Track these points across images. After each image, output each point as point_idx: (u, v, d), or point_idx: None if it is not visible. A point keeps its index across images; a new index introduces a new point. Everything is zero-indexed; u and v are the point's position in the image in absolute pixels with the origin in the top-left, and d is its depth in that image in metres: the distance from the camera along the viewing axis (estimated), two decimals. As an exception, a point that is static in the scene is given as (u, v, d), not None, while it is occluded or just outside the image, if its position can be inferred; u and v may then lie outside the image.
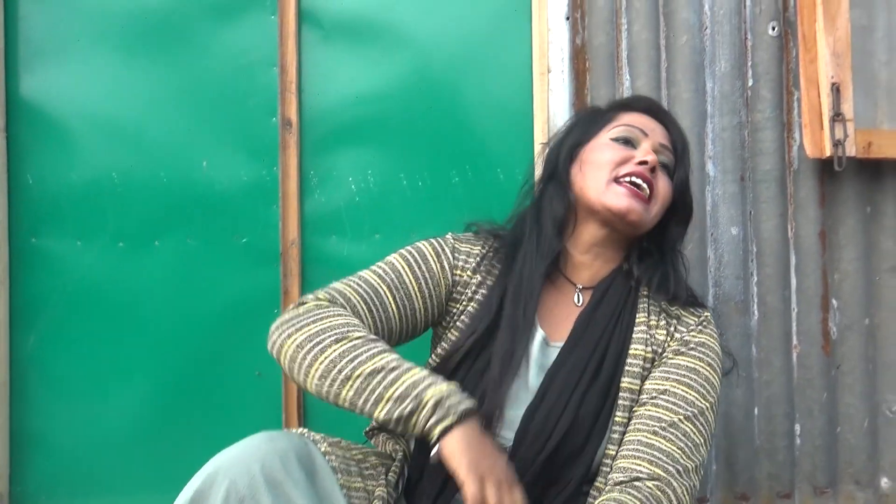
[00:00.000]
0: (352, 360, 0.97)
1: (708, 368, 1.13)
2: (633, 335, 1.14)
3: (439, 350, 1.18)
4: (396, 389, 0.95)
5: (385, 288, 1.13)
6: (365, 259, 1.24)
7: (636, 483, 1.03)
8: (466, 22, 1.70)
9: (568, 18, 1.65)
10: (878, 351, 1.62)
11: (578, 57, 1.64)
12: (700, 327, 1.16)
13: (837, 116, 1.53)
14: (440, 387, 0.95)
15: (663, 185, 1.16)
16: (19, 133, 1.67)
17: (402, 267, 1.16)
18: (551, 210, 1.18)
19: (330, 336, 1.00)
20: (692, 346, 1.14)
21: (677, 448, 1.05)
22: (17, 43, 1.67)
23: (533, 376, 1.12)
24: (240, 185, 1.68)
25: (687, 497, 1.03)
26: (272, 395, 1.67)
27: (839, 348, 1.61)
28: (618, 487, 1.03)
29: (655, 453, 1.05)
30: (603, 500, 1.02)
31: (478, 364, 1.12)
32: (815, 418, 1.61)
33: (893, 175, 1.61)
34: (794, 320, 1.62)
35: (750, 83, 1.62)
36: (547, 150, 1.26)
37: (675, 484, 1.03)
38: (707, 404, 1.10)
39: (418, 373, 0.97)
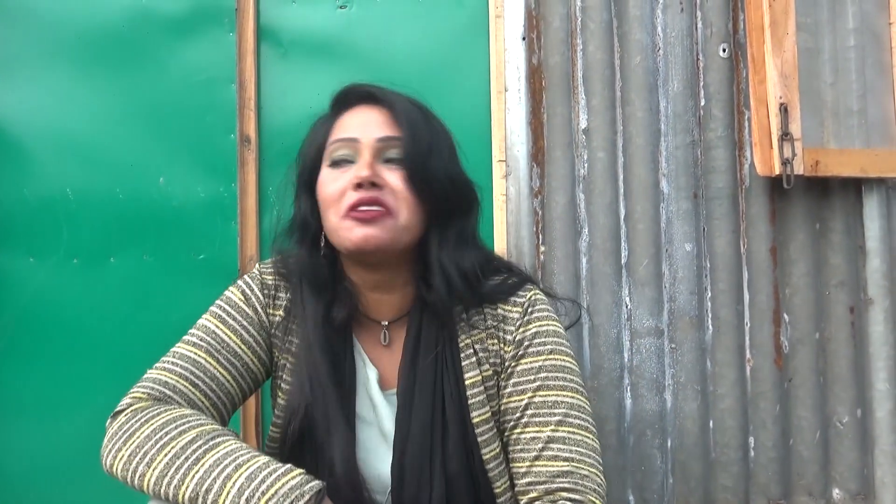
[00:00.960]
0: (179, 468, 0.88)
1: (552, 357, 1.02)
2: (462, 364, 1.04)
3: (276, 413, 1.07)
4: (234, 485, 0.85)
5: (205, 355, 1.02)
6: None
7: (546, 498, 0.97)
8: (425, 41, 1.71)
9: (524, 38, 1.68)
10: (828, 364, 1.66)
11: (535, 76, 1.67)
12: (527, 318, 1.04)
13: (786, 136, 1.57)
14: (287, 476, 0.85)
15: (397, 183, 1.00)
16: (-29, 149, 1.64)
17: (216, 325, 1.05)
18: (311, 264, 1.05)
19: (153, 444, 0.91)
20: (527, 343, 1.03)
21: (564, 461, 0.98)
22: (-31, 58, 1.65)
23: (383, 421, 1.05)
24: (198, 201, 1.67)
25: (598, 499, 0.97)
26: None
27: (791, 362, 1.65)
28: None
29: (546, 479, 0.97)
30: None
31: (317, 433, 1.02)
32: (768, 431, 1.63)
33: (841, 192, 1.66)
34: (748, 334, 1.65)
35: (702, 103, 1.66)
36: (292, 179, 1.11)
37: (583, 497, 0.96)
38: (569, 395, 1.01)
39: (264, 462, 0.86)
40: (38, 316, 1.65)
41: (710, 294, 1.65)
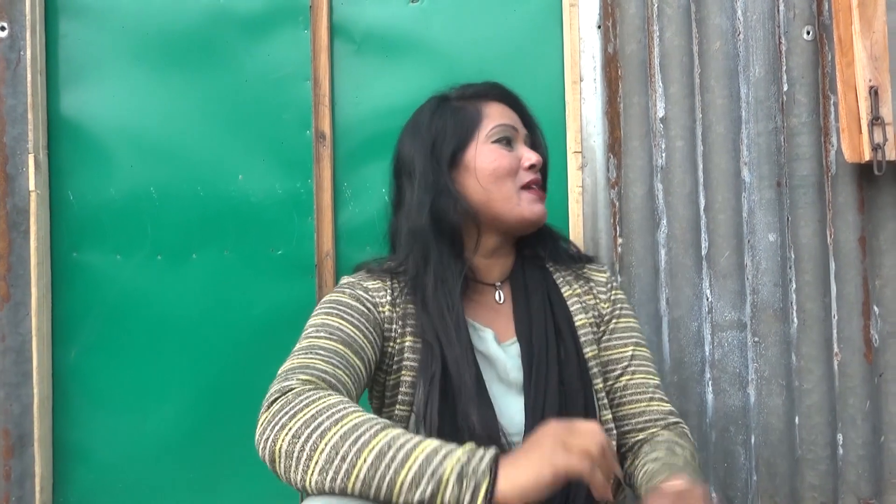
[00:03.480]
0: (355, 442, 0.84)
1: (636, 321, 1.26)
2: (571, 309, 1.19)
3: (399, 397, 1.11)
4: (409, 472, 0.81)
5: (343, 347, 1.03)
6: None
7: (665, 431, 1.16)
8: (497, 32, 1.70)
9: (599, 27, 1.65)
10: (922, 358, 1.59)
11: (610, 65, 1.64)
12: (612, 283, 1.25)
13: (876, 120, 1.51)
14: (456, 454, 0.82)
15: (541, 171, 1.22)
16: (60, 150, 1.70)
17: (339, 322, 1.07)
18: (448, 228, 1.13)
19: (327, 417, 0.87)
20: (621, 305, 1.24)
21: (668, 403, 1.20)
22: (57, 62, 1.71)
23: (507, 371, 1.12)
24: (275, 197, 1.70)
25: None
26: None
27: (882, 356, 1.58)
28: (661, 432, 1.16)
29: (663, 415, 1.18)
30: (657, 441, 1.14)
31: (450, 398, 1.06)
32: (858, 427, 1.58)
33: (935, 178, 1.59)
34: (835, 327, 1.59)
35: (785, 88, 1.60)
36: (404, 155, 1.20)
37: (687, 430, 1.20)
38: (650, 353, 1.24)
39: (430, 444, 0.83)
40: (124, 311, 1.70)
41: (794, 286, 1.60)
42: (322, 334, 1.05)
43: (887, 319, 1.58)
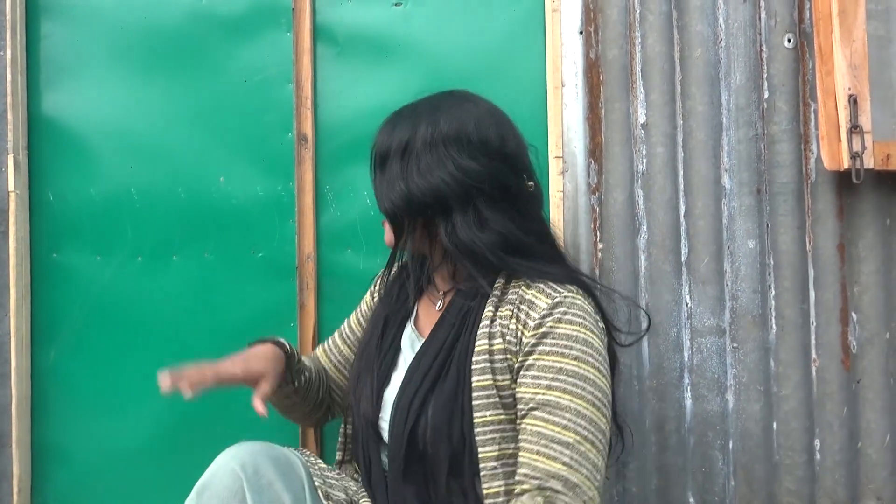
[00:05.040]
0: None
1: (576, 364, 1.07)
2: (479, 331, 1.13)
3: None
4: None
5: (338, 333, 1.46)
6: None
7: (529, 494, 1.03)
8: (480, 36, 1.70)
9: (581, 32, 1.66)
10: (899, 365, 1.60)
11: (592, 70, 1.64)
12: (557, 313, 1.10)
13: (855, 128, 1.52)
14: None
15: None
16: (40, 151, 1.70)
17: (354, 313, 1.46)
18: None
19: None
20: (553, 339, 1.09)
21: (562, 465, 1.03)
22: (38, 62, 1.70)
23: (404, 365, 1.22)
24: (256, 199, 1.70)
25: None
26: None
27: (859, 362, 1.59)
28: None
29: (541, 476, 1.03)
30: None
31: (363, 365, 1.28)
32: (835, 433, 1.58)
33: (913, 187, 1.60)
34: (813, 334, 1.60)
35: (766, 95, 1.61)
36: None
37: (572, 502, 1.02)
38: (583, 404, 1.05)
39: None
40: (103, 313, 1.70)
41: (773, 292, 1.60)
42: (346, 323, 1.47)
43: (865, 326, 1.59)
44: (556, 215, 1.63)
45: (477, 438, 1.09)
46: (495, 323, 1.13)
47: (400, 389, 1.17)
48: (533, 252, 1.16)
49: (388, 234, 1.24)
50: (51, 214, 1.69)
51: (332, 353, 1.45)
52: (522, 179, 1.19)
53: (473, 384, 1.10)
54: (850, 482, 1.59)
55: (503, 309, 1.14)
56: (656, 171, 1.61)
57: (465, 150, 1.14)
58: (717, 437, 1.60)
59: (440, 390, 1.13)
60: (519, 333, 1.11)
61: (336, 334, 1.47)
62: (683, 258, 1.61)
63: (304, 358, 1.39)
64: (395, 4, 1.72)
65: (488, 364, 1.10)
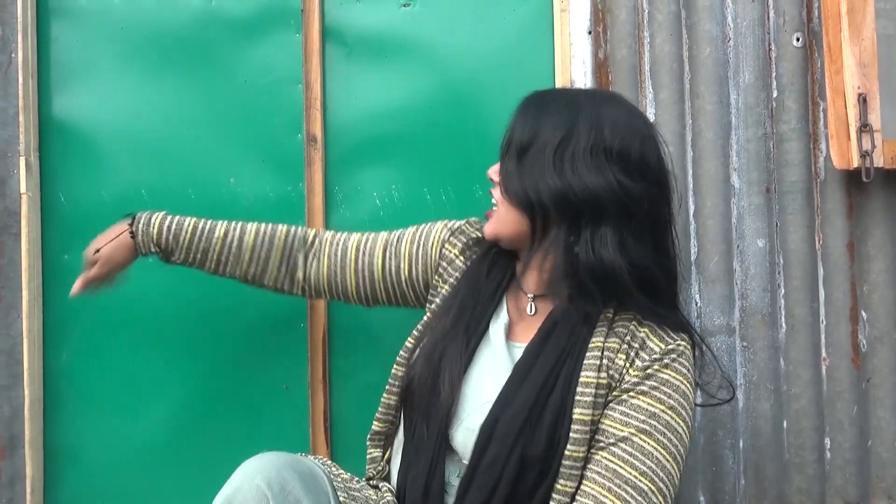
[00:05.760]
0: None
1: (670, 413, 1.04)
2: (585, 361, 1.07)
3: (419, 326, 1.26)
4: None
5: (382, 242, 1.33)
6: (390, 275, 1.29)
7: None
8: (489, 37, 1.71)
9: (590, 32, 1.66)
10: (909, 363, 1.60)
11: (601, 71, 1.65)
12: (667, 359, 1.07)
13: (865, 127, 1.52)
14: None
15: (496, 193, 1.18)
16: (52, 153, 1.70)
17: (409, 233, 1.33)
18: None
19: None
20: (655, 383, 1.05)
21: None
22: (49, 65, 1.71)
23: (499, 368, 1.13)
24: (266, 200, 1.70)
25: None
26: (299, 407, 1.69)
27: (869, 361, 1.59)
28: None
29: None
30: None
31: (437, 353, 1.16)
32: (845, 432, 1.59)
33: (923, 185, 1.60)
34: (823, 333, 1.60)
35: (774, 94, 1.61)
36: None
37: None
38: (666, 455, 1.03)
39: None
40: (115, 313, 1.70)
41: (783, 291, 1.61)
42: (390, 230, 1.37)
43: (875, 325, 1.59)
44: (566, 215, 1.63)
45: (562, 471, 1.05)
46: (606, 354, 1.08)
47: (492, 415, 1.07)
48: (658, 291, 1.10)
49: (492, 226, 1.18)
50: (62, 216, 1.70)
51: (364, 257, 1.33)
52: (669, 209, 1.15)
53: (575, 416, 1.05)
54: (860, 481, 1.59)
55: (611, 341, 1.09)
56: (665, 170, 1.61)
57: (626, 168, 1.08)
58: (727, 436, 1.60)
59: (540, 422, 1.05)
60: (624, 371, 1.07)
61: (379, 242, 1.34)
62: (693, 257, 1.62)
63: (248, 229, 1.40)
64: (404, 5, 1.72)
65: (593, 399, 1.05)
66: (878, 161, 1.52)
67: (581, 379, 1.06)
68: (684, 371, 1.08)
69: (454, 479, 1.12)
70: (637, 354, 1.07)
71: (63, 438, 1.70)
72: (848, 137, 1.53)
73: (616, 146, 1.08)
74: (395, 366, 1.24)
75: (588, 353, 1.08)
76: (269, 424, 1.70)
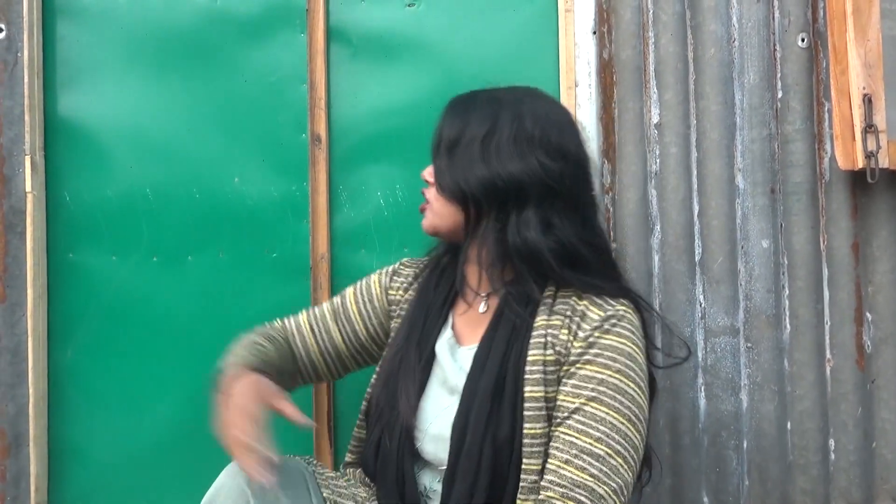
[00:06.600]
0: None
1: (618, 377, 1.08)
2: (531, 340, 1.13)
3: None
4: None
5: (330, 313, 1.36)
6: (394, 274, 1.31)
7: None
8: (493, 37, 1.71)
9: (595, 33, 1.66)
10: (914, 365, 1.59)
11: (605, 71, 1.65)
12: (607, 325, 1.11)
13: (870, 128, 1.51)
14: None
15: (430, 193, 1.24)
16: (57, 152, 1.71)
17: (350, 294, 1.38)
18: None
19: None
20: (598, 351, 1.09)
21: (590, 476, 1.03)
22: (55, 64, 1.71)
23: (450, 375, 1.19)
24: (270, 200, 1.71)
25: None
26: (303, 407, 1.65)
27: (874, 362, 1.59)
28: None
29: (567, 485, 1.04)
30: None
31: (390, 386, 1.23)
32: (849, 433, 1.58)
33: (928, 186, 1.59)
34: (828, 334, 1.60)
35: (779, 95, 1.61)
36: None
37: None
38: (620, 418, 1.06)
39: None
40: (119, 312, 1.71)
41: (787, 292, 1.60)
42: (332, 301, 1.39)
43: (879, 326, 1.59)
44: (570, 215, 1.63)
45: (524, 450, 1.09)
46: (549, 332, 1.13)
47: (461, 410, 1.13)
48: (588, 265, 1.16)
49: (429, 219, 1.24)
50: (67, 215, 1.71)
51: (321, 336, 1.36)
52: (590, 188, 1.23)
53: (526, 395, 1.10)
54: (864, 482, 1.58)
55: (554, 318, 1.14)
56: (670, 171, 1.61)
57: (548, 152, 1.15)
58: (731, 437, 1.60)
59: (501, 407, 1.11)
60: (569, 344, 1.11)
61: (328, 315, 1.37)
62: (697, 258, 1.62)
63: (266, 347, 1.31)
64: (409, 5, 1.72)
65: (542, 375, 1.11)
66: (884, 162, 1.51)
67: (528, 358, 1.12)
68: (627, 333, 1.11)
69: (436, 485, 1.18)
70: (579, 326, 1.12)
71: (67, 436, 1.70)
72: (853, 138, 1.53)
73: (537, 133, 1.15)
74: (363, 402, 1.33)
75: (533, 333, 1.13)
76: (273, 423, 1.69)
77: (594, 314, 1.12)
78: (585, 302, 1.14)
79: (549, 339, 1.12)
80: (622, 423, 1.06)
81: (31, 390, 1.65)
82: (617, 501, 1.04)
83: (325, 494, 1.17)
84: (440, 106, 1.69)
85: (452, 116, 1.21)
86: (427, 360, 1.22)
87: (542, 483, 1.07)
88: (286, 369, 1.32)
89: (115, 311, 1.71)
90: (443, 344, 1.23)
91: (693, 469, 1.60)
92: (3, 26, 1.68)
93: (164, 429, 1.71)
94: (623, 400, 1.07)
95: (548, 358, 1.11)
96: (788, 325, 1.60)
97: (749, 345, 1.60)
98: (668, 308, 1.61)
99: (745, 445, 1.60)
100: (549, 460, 1.07)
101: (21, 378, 1.66)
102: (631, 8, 1.64)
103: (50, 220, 1.70)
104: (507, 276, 1.18)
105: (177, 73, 1.72)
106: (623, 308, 1.14)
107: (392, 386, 1.21)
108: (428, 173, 1.25)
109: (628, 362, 1.09)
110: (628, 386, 1.08)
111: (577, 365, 1.09)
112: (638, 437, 1.08)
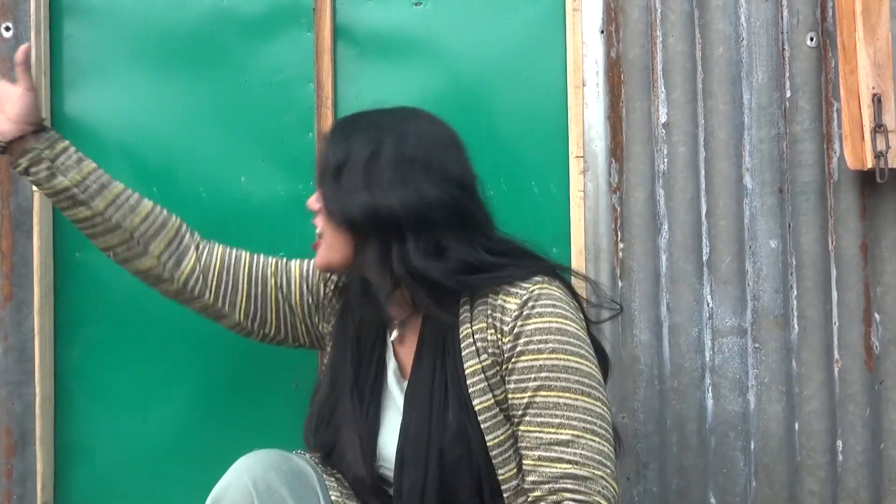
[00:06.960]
0: None
1: (555, 356, 1.04)
2: (462, 354, 1.10)
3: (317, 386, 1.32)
4: None
5: (273, 259, 1.38)
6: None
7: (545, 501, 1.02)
8: (500, 36, 1.70)
9: (602, 32, 1.65)
10: (923, 366, 1.59)
11: (613, 70, 1.64)
12: (525, 310, 1.06)
13: (879, 128, 1.51)
14: None
15: (320, 221, 1.18)
16: (64, 150, 1.71)
17: (294, 259, 1.39)
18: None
19: None
20: (526, 338, 1.05)
21: (567, 464, 1.01)
22: (61, 63, 1.71)
23: (401, 404, 1.17)
24: (277, 199, 1.70)
25: (605, 501, 1.00)
26: (304, 399, 1.68)
27: (882, 363, 1.58)
28: None
29: (549, 481, 1.02)
30: None
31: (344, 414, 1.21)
32: (857, 434, 1.58)
33: (937, 186, 1.59)
34: (836, 334, 1.59)
35: (788, 94, 1.60)
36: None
37: (588, 498, 1.00)
38: (573, 396, 1.03)
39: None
40: (126, 311, 1.70)
41: (795, 292, 1.60)
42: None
43: (888, 327, 1.58)
44: (577, 215, 1.63)
45: (494, 461, 1.07)
46: (477, 338, 1.09)
47: (401, 442, 1.13)
48: (499, 266, 1.12)
49: (321, 255, 1.19)
50: (74, 214, 1.70)
51: (256, 263, 1.37)
52: (479, 205, 1.17)
53: (477, 408, 1.07)
54: (872, 483, 1.58)
55: (477, 322, 1.10)
56: (678, 170, 1.61)
57: (428, 176, 1.11)
58: (739, 438, 1.60)
59: (447, 427, 1.09)
60: (499, 343, 1.08)
61: (271, 259, 1.39)
62: (705, 258, 1.61)
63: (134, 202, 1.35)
64: (415, 4, 1.72)
65: (485, 384, 1.08)
66: (893, 162, 1.51)
67: (466, 371, 1.09)
68: (549, 310, 1.07)
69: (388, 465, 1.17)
70: (501, 321, 1.08)
71: (73, 435, 1.70)
72: (862, 138, 1.52)
73: (420, 155, 1.12)
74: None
75: (462, 346, 1.10)
76: (279, 422, 1.69)
77: (511, 304, 1.08)
78: (501, 295, 1.09)
79: (478, 344, 1.09)
80: (577, 400, 1.03)
81: (37, 389, 1.65)
82: (603, 475, 1.02)
83: (333, 497, 1.15)
84: (447, 105, 1.70)
85: (336, 141, 1.17)
86: (373, 395, 1.20)
87: (525, 486, 1.05)
88: (156, 221, 1.35)
89: (121, 309, 1.70)
90: (391, 375, 1.21)
91: (700, 470, 1.59)
92: (10, 25, 1.67)
93: (170, 428, 1.70)
94: (569, 377, 1.04)
95: (485, 364, 1.08)
96: (796, 326, 1.59)
97: (757, 345, 1.60)
98: (676, 308, 1.60)
99: (752, 446, 1.60)
100: (524, 461, 1.05)
101: (27, 377, 1.66)
102: (639, 7, 1.63)
103: (57, 218, 1.70)
104: (420, 299, 1.13)
105: (183, 72, 1.72)
106: (538, 286, 1.09)
107: (332, 433, 1.20)
108: (314, 200, 1.20)
109: (560, 337, 1.05)
110: (568, 361, 1.05)
111: (513, 360, 1.06)
112: (598, 404, 1.05)
